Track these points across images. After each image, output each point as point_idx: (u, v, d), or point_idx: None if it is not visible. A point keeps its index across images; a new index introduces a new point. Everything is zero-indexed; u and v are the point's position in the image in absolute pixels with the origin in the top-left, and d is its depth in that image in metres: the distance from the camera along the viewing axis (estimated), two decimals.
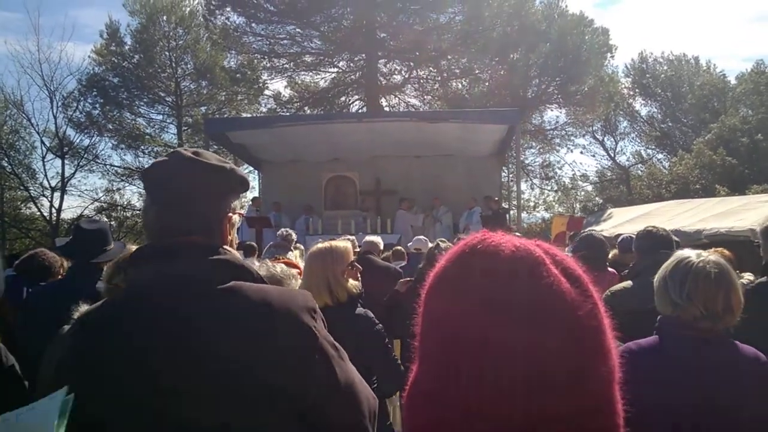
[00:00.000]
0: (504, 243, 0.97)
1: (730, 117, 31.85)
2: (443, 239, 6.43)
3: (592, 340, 0.93)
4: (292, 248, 7.04)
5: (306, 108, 30.12)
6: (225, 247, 1.80)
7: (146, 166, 1.78)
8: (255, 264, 3.00)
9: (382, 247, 8.10)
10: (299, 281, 3.59)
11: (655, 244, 4.47)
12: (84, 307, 2.91)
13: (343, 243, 3.89)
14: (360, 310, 3.77)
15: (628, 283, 4.38)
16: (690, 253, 2.58)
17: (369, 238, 7.99)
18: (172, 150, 1.89)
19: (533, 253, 0.95)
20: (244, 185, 1.91)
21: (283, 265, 3.23)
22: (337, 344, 1.78)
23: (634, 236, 6.59)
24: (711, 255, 2.57)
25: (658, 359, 2.46)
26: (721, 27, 72.28)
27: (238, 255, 1.82)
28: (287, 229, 8.39)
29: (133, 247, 3.21)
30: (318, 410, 1.67)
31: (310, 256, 3.80)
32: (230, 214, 1.86)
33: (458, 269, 0.99)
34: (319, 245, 3.84)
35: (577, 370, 0.89)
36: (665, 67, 39.93)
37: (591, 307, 0.94)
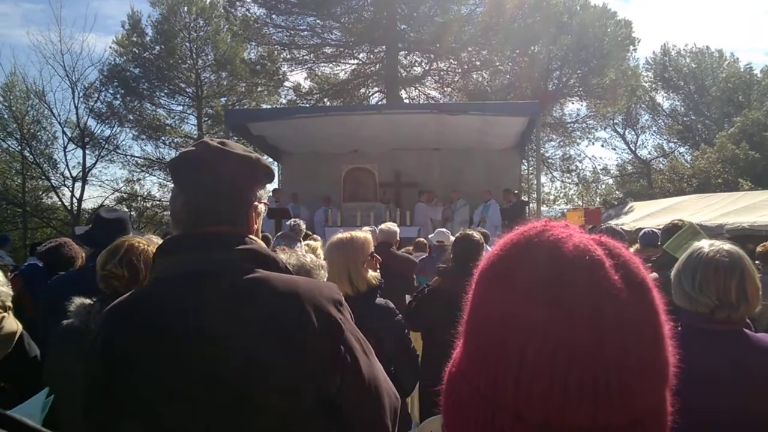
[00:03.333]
0: (563, 239, 0.91)
1: (753, 111, 31.44)
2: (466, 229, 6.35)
3: (648, 350, 0.87)
4: (300, 239, 6.95)
5: (326, 100, 30.15)
6: (251, 236, 1.81)
7: (173, 156, 1.79)
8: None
9: (398, 237, 8.05)
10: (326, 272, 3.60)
11: None
12: (78, 301, 2.94)
13: (363, 233, 3.88)
14: (380, 300, 3.77)
15: (653, 275, 4.36)
16: (703, 244, 2.53)
17: (385, 226, 7.88)
18: (197, 140, 1.90)
19: (594, 253, 0.89)
20: (270, 175, 1.92)
21: (312, 255, 3.24)
22: (363, 338, 1.78)
23: (655, 230, 6.56)
24: (724, 243, 2.53)
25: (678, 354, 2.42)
26: (743, 19, 71.46)
27: (264, 245, 1.82)
28: (296, 219, 8.26)
29: (133, 237, 3.24)
30: (341, 402, 1.67)
31: (330, 246, 3.80)
32: (256, 204, 1.87)
33: (512, 261, 0.94)
34: (340, 235, 3.84)
35: (629, 379, 0.84)
36: (688, 60, 39.50)
37: (651, 315, 0.89)
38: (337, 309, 1.71)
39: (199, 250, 1.71)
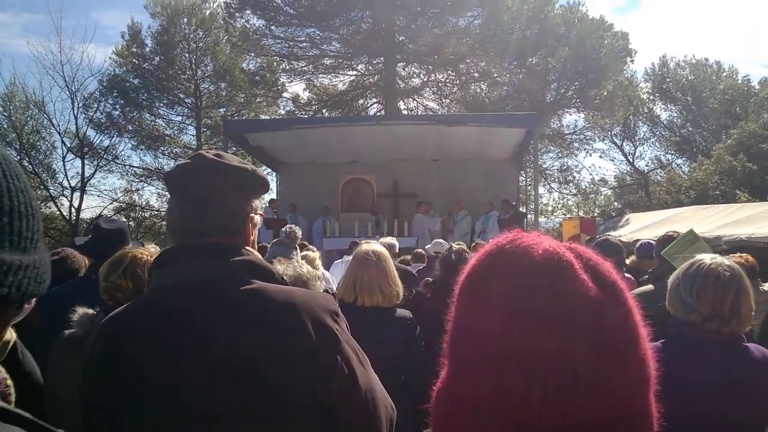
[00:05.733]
0: (533, 245, 0.93)
1: (750, 122, 31.48)
2: (460, 242, 6.41)
3: (621, 349, 0.87)
4: (296, 246, 6.90)
5: (324, 110, 30.18)
6: (247, 248, 1.82)
7: (170, 168, 1.81)
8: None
9: (397, 250, 8.10)
10: (323, 283, 3.63)
11: None
12: (81, 311, 2.95)
13: (383, 247, 3.96)
14: (403, 311, 3.84)
15: (649, 287, 4.38)
16: (705, 257, 2.57)
17: (384, 240, 7.95)
18: (193, 152, 1.93)
19: (562, 256, 0.90)
20: (265, 186, 1.95)
21: (309, 266, 3.26)
22: (359, 348, 1.80)
23: (651, 242, 6.57)
24: (726, 259, 2.56)
25: (665, 363, 2.44)
26: (740, 31, 71.83)
27: (260, 256, 1.84)
28: (291, 225, 8.23)
29: (136, 248, 3.25)
30: (337, 412, 1.69)
31: (363, 258, 3.79)
32: (252, 215, 1.89)
33: (485, 270, 0.95)
34: (373, 247, 3.88)
35: (603, 379, 0.84)
36: (686, 72, 39.58)
37: (622, 314, 0.89)
38: (333, 319, 1.73)
39: (196, 261, 1.73)
